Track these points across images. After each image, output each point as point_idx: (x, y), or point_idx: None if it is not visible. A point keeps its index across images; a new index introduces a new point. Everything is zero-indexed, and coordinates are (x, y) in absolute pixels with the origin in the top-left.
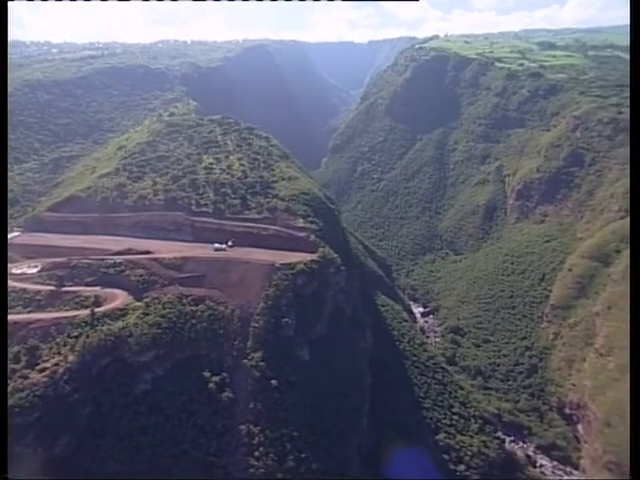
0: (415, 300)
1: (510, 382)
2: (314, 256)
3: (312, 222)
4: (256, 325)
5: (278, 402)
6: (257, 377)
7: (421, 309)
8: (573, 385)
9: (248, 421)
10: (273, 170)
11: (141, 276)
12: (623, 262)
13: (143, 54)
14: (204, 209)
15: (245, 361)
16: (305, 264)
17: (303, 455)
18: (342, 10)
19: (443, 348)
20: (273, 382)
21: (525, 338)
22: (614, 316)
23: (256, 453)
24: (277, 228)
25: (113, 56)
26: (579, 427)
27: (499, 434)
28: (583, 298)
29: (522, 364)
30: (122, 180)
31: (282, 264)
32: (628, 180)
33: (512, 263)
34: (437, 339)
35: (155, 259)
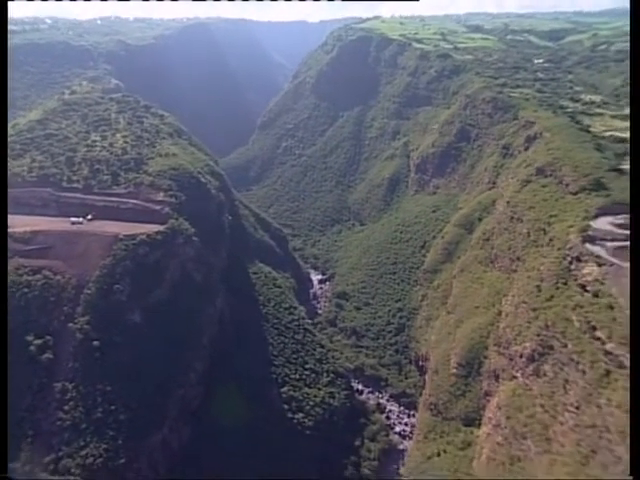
0: (316, 268)
1: (380, 340)
2: (161, 227)
3: (172, 196)
4: (88, 292)
5: (97, 361)
6: (80, 339)
7: (320, 276)
8: (425, 340)
9: (65, 379)
10: (154, 147)
11: None
12: (481, 229)
13: (71, 30)
14: (75, 185)
15: (71, 325)
16: (148, 235)
17: (112, 407)
18: None
19: (327, 311)
20: (95, 343)
21: (399, 300)
22: (464, 278)
23: (66, 407)
24: (135, 202)
25: (35, 32)
26: (425, 376)
27: (359, 386)
28: (448, 263)
29: (393, 324)
30: None
31: (125, 235)
32: (498, 155)
33: (401, 232)
34: (326, 304)
35: None
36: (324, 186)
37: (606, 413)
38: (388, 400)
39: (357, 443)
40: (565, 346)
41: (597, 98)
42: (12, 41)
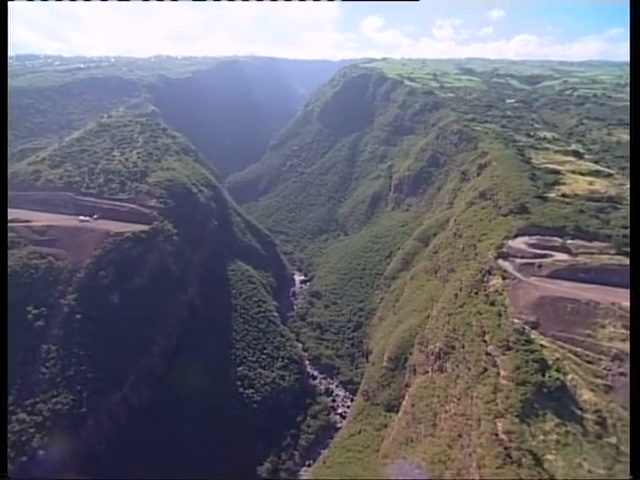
0: (300, 270)
1: (339, 335)
2: (146, 227)
3: (162, 202)
4: (79, 275)
5: (77, 329)
6: (67, 312)
7: (302, 277)
8: (375, 336)
9: (50, 342)
10: (160, 162)
11: (9, 237)
12: (433, 243)
13: (125, 67)
14: (90, 190)
15: (62, 300)
16: (134, 233)
17: (83, 368)
18: (329, 34)
19: (300, 307)
20: (77, 316)
21: (362, 301)
22: (412, 285)
23: (47, 364)
24: (133, 206)
25: (97, 68)
26: None
27: (315, 373)
28: (405, 271)
29: (352, 321)
30: (42, 167)
31: (115, 232)
32: (458, 179)
33: (373, 243)
34: (301, 301)
35: (28, 226)
36: (318, 200)
37: (474, 404)
38: (337, 386)
39: (299, 419)
40: (463, 347)
41: (550, 135)
42: (77, 76)
